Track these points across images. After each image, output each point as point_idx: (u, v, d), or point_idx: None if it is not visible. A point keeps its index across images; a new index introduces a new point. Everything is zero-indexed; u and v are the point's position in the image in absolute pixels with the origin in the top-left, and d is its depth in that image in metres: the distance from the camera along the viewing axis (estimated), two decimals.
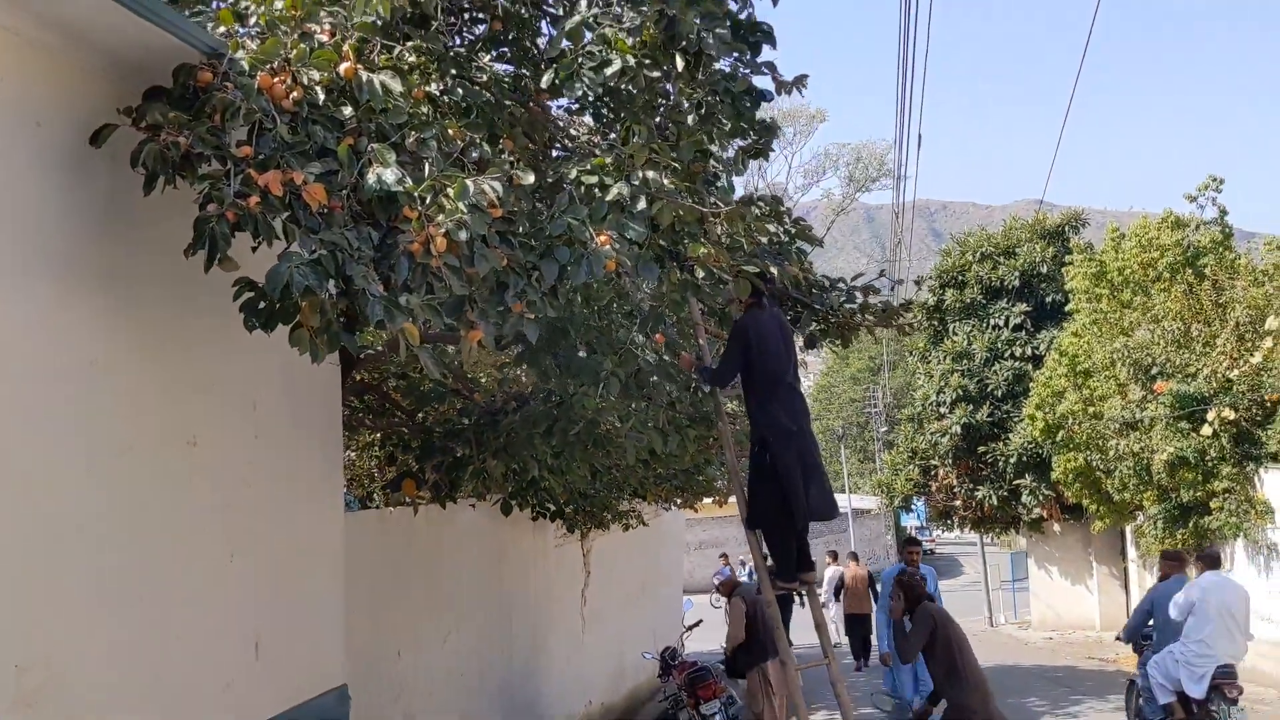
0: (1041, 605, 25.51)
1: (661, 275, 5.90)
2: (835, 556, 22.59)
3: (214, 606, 4.85)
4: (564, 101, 6.46)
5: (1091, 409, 17.49)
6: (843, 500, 51.12)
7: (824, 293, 7.20)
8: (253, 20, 4.47)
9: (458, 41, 5.80)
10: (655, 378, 6.80)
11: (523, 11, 6.31)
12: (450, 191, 4.19)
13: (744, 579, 31.02)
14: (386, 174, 4.18)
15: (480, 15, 6.05)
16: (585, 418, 6.20)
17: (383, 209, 4.27)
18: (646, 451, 7.10)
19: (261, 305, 3.95)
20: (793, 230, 7.05)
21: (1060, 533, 24.30)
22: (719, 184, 6.15)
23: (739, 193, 7.48)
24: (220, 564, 4.91)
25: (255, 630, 5.11)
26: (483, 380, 8.51)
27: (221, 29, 4.44)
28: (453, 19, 5.50)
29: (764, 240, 7.22)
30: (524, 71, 5.88)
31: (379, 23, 4.80)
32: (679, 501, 11.98)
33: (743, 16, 5.80)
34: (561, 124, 6.22)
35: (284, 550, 5.39)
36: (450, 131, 4.72)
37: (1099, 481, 18.19)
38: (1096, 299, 17.45)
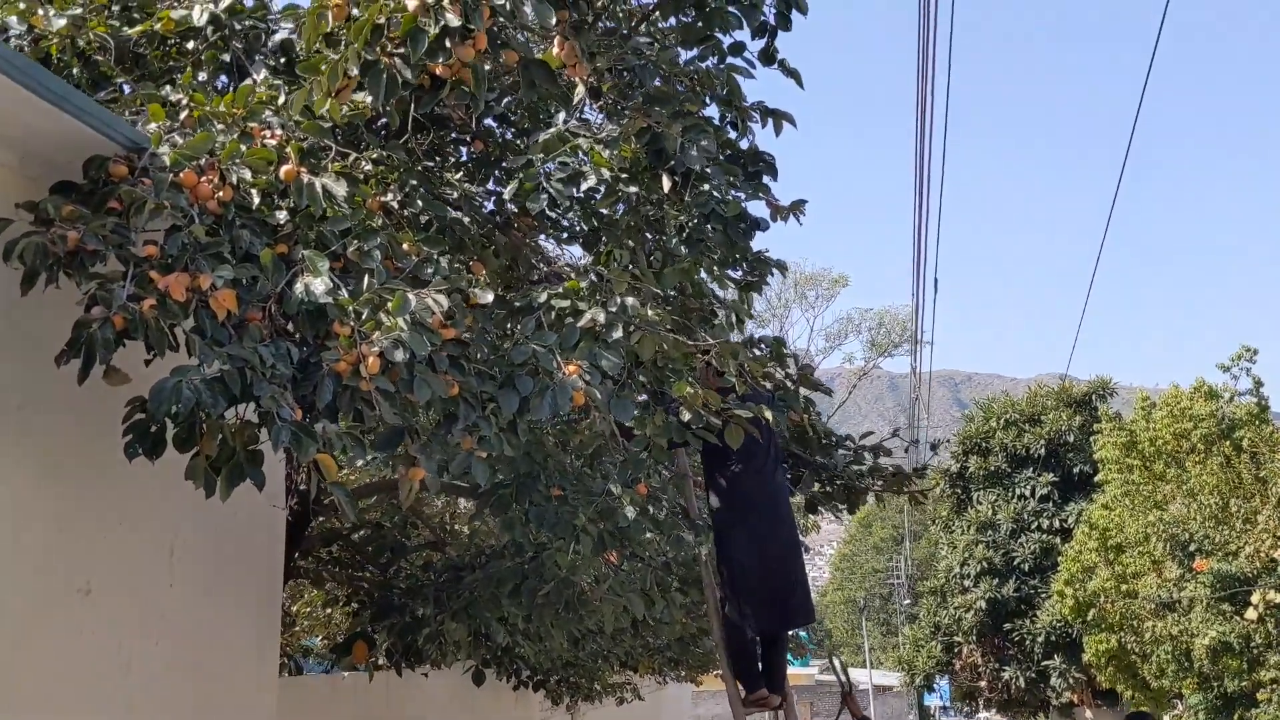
0: None
1: (645, 418, 5.31)
2: None
3: None
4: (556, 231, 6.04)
5: (1125, 586, 16.52)
6: (863, 676, 49.17)
7: (829, 451, 6.57)
8: (184, 115, 4.02)
9: (435, 159, 5.36)
10: (644, 533, 6.14)
11: (508, 134, 5.92)
12: (389, 306, 3.65)
13: None
14: (316, 284, 3.65)
15: (461, 135, 5.63)
16: (557, 577, 5.51)
17: (310, 324, 3.73)
18: (629, 618, 6.38)
19: (152, 429, 3.36)
20: (796, 376, 6.46)
21: (1092, 719, 22.87)
22: (716, 322, 5.62)
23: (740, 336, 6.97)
24: None
25: None
26: (464, 531, 7.85)
27: (152, 125, 3.99)
28: (426, 132, 5.07)
29: (767, 385, 6.65)
30: (501, 191, 5.43)
31: (334, 128, 4.37)
32: (677, 674, 11.09)
33: (744, 146, 5.38)
34: (549, 253, 5.73)
35: (194, 713, 4.67)
36: (405, 246, 4.21)
37: (1134, 666, 17.05)
38: (1127, 470, 16.68)
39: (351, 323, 3.65)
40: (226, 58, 4.87)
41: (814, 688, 48.66)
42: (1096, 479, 19.08)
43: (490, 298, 4.16)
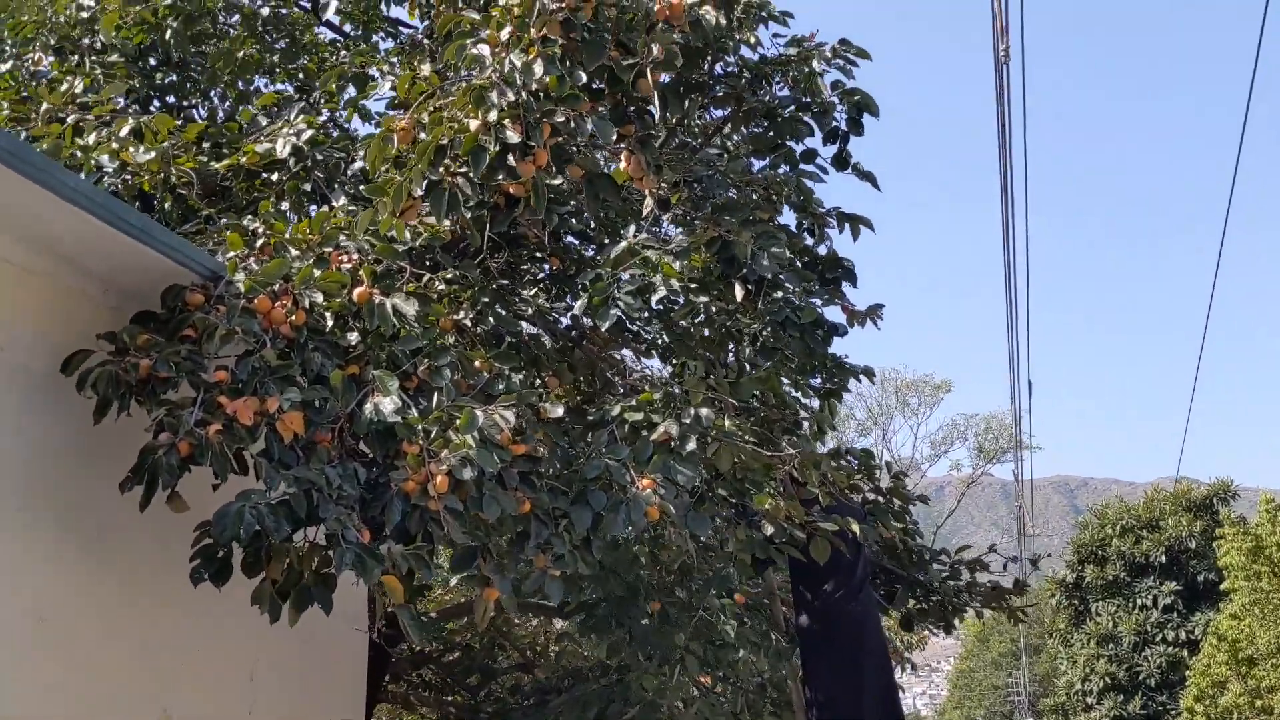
0: None
1: (728, 534, 5.18)
2: None
3: None
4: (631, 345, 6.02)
5: (1260, 702, 15.49)
6: None
7: (925, 566, 6.31)
8: (260, 243, 4.12)
9: (511, 277, 5.41)
10: (739, 650, 5.95)
11: (586, 250, 5.96)
12: (457, 423, 3.63)
13: None
14: (385, 403, 3.65)
15: (538, 253, 5.68)
16: (644, 700, 5.34)
17: (380, 444, 3.73)
18: None
19: (219, 554, 3.36)
20: (886, 489, 6.26)
21: None
22: (800, 432, 5.49)
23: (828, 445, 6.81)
24: None
25: None
26: (554, 652, 7.69)
27: (231, 253, 4.09)
28: (502, 251, 5.12)
29: (856, 498, 6.46)
30: (572, 305, 5.43)
31: (410, 250, 4.44)
32: None
33: (821, 251, 5.32)
34: (627, 367, 5.70)
35: None
36: (477, 363, 4.22)
37: None
38: (1255, 577, 15.79)
39: (420, 441, 3.64)
40: (308, 187, 5.02)
41: None
42: (1222, 587, 18.12)
43: (560, 411, 4.11)
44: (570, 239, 6.15)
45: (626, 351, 5.77)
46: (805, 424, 5.59)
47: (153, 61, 6.73)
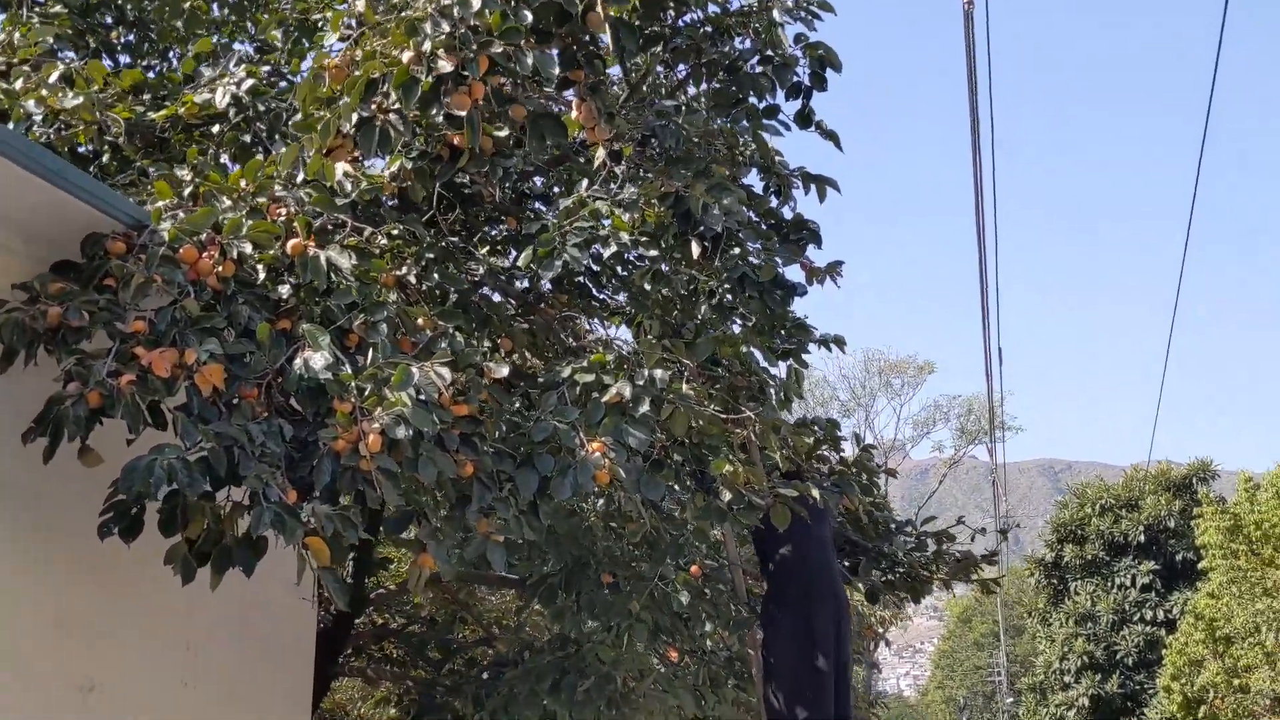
0: None
1: (687, 500, 5.02)
2: None
3: None
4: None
5: (1237, 681, 15.47)
6: None
7: (889, 537, 6.16)
8: (189, 191, 3.93)
9: (464, 236, 5.22)
10: (702, 621, 5.79)
11: (547, 214, 5.79)
12: (392, 380, 3.45)
13: None
14: (315, 359, 3.47)
15: (496, 215, 5.49)
16: (600, 672, 5.19)
17: (311, 402, 3.55)
18: (679, 715, 5.99)
19: (133, 510, 3.19)
20: (852, 460, 6.10)
21: None
22: (765, 399, 5.33)
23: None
24: None
25: None
26: (512, 625, 7.54)
27: (161, 202, 3.90)
28: (453, 208, 4.94)
29: (822, 469, 6.31)
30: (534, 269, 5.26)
31: (353, 204, 4.25)
32: None
33: (786, 215, 5.16)
34: (581, 329, 5.52)
35: None
36: (420, 321, 4.03)
37: None
38: (1233, 556, 15.75)
39: (352, 399, 3.46)
40: (249, 139, 4.82)
41: None
42: (1200, 566, 18.10)
43: (505, 371, 3.94)
44: (537, 206, 5.98)
45: (583, 317, 5.59)
46: (771, 391, 5.44)
47: (108, 20, 6.52)
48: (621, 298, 5.65)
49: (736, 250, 4.46)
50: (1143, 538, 21.75)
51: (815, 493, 4.78)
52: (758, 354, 5.37)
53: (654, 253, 4.28)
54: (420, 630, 7.24)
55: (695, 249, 4.34)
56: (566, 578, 5.34)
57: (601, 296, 5.73)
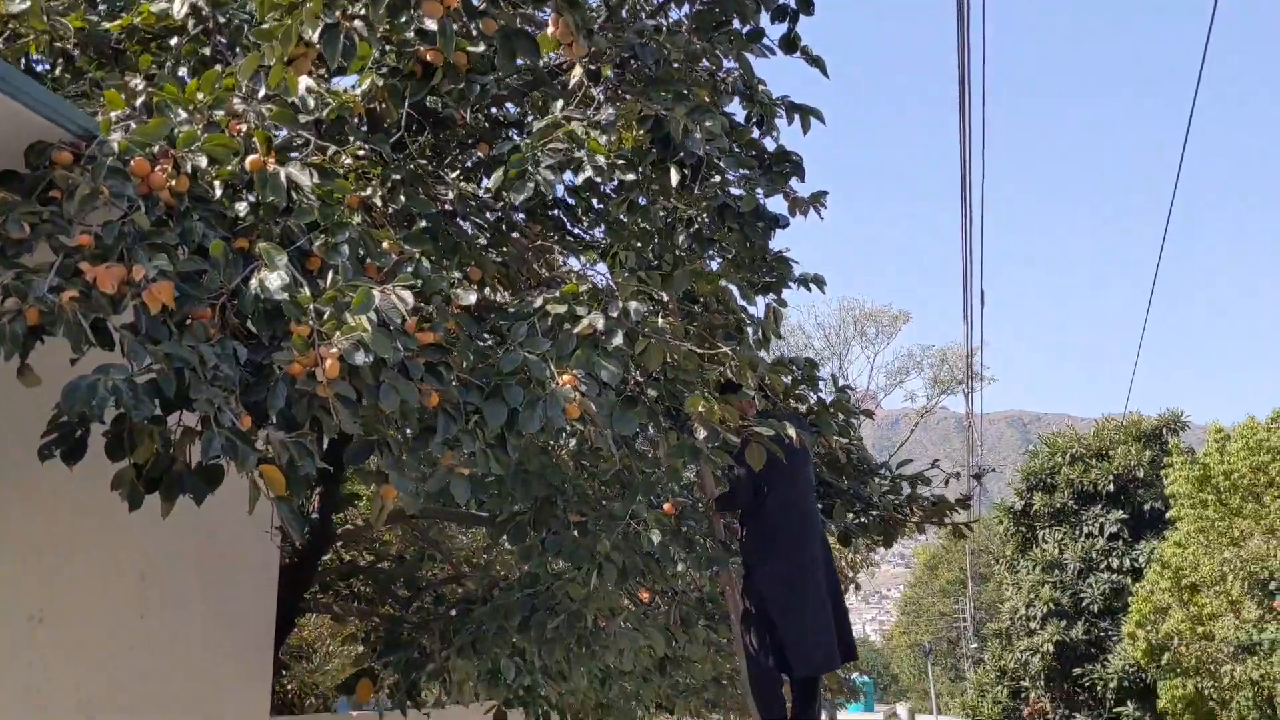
0: None
1: (660, 438, 4.90)
2: None
3: None
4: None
5: (1201, 629, 15.65)
6: None
7: (865, 480, 6.07)
8: (141, 102, 3.72)
9: (434, 160, 5.02)
10: (675, 562, 5.69)
11: (522, 138, 5.59)
12: (351, 303, 3.29)
13: None
14: (271, 279, 3.29)
15: (469, 139, 5.29)
16: (569, 610, 5.09)
17: (267, 325, 3.38)
18: (650, 655, 5.92)
19: (78, 432, 3.03)
20: (830, 401, 6.00)
21: None
22: (743, 337, 5.20)
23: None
24: None
25: None
26: (482, 563, 7.45)
27: (112, 113, 3.69)
28: (423, 130, 4.74)
29: (799, 407, 6.20)
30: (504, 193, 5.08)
31: (317, 122, 4.06)
32: (719, 718, 10.52)
33: (769, 146, 4.99)
34: (555, 260, 5.36)
35: None
36: (385, 244, 3.85)
37: (1213, 713, 16.12)
38: (1201, 505, 15.85)
39: (310, 322, 3.30)
40: (208, 51, 4.60)
41: None
42: (1168, 515, 18.24)
43: (473, 299, 3.78)
44: (511, 133, 5.78)
45: (557, 247, 5.42)
46: (750, 330, 5.31)
47: None
48: (598, 233, 5.49)
49: (717, 179, 4.30)
50: (1112, 487, 21.89)
51: (792, 431, 4.67)
52: (735, 291, 5.25)
53: (630, 176, 4.10)
54: (389, 567, 7.12)
55: (674, 176, 4.18)
56: (535, 516, 5.22)
57: (576, 231, 5.56)
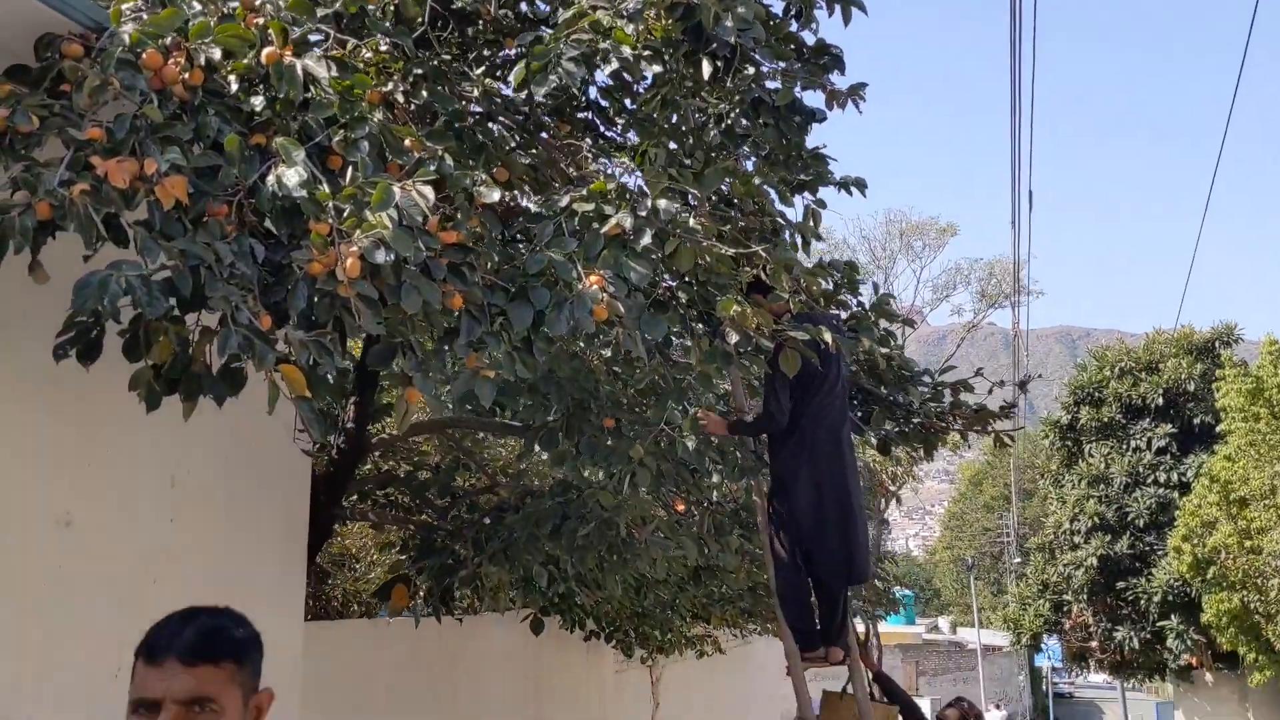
0: None
1: (694, 344, 4.79)
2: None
3: None
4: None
5: (1249, 543, 15.46)
6: (970, 635, 48.04)
7: (905, 387, 5.93)
8: None
9: (459, 57, 4.88)
10: (709, 471, 5.62)
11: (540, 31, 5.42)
12: (371, 200, 3.19)
13: None
14: (289, 175, 3.20)
15: (494, 36, 5.13)
16: (600, 518, 5.06)
17: (286, 223, 3.30)
18: (685, 563, 5.91)
19: (94, 333, 2.98)
20: (868, 305, 5.84)
21: (1212, 684, 21.72)
22: (779, 241, 5.05)
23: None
24: (104, 681, 3.88)
25: None
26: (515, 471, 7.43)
27: (125, 5, 3.58)
28: (448, 26, 4.59)
29: (838, 313, 6.06)
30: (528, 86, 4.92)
31: (336, 15, 3.93)
32: (756, 627, 10.56)
33: (809, 41, 4.79)
34: (584, 159, 5.21)
35: None
36: (407, 142, 3.74)
37: (1257, 627, 16.02)
38: (1253, 419, 15.55)
39: (330, 220, 3.21)
40: None
41: (920, 646, 47.80)
42: (1219, 429, 17.94)
43: (496, 196, 3.68)
44: (540, 30, 5.60)
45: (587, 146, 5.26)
46: (786, 235, 5.16)
47: None
48: (631, 136, 5.34)
49: (751, 71, 4.13)
50: (1161, 401, 21.55)
51: (828, 336, 4.54)
52: (772, 193, 5.09)
53: (658, 68, 3.93)
54: (423, 476, 7.13)
55: (706, 68, 4.02)
56: (567, 422, 5.17)
57: (610, 135, 5.42)
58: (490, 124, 4.78)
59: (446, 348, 3.53)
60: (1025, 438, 49.09)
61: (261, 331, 2.91)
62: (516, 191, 4.92)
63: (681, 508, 6.20)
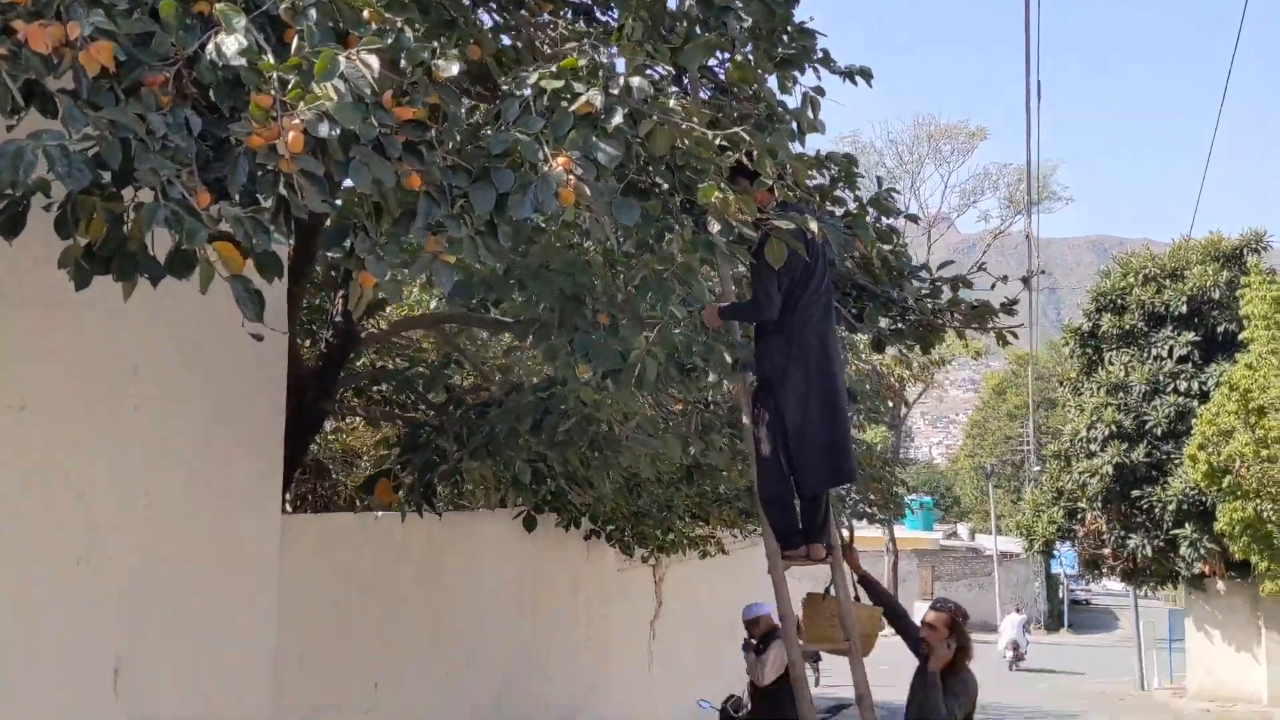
0: (1200, 671, 22.84)
1: (676, 233, 4.62)
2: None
3: (55, 622, 3.78)
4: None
5: (1265, 451, 15.28)
6: (988, 542, 48.35)
7: (902, 282, 5.74)
8: None
9: None
10: (705, 369, 5.48)
11: None
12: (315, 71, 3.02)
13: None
14: (228, 43, 3.02)
15: None
16: (580, 413, 4.94)
17: (229, 94, 3.13)
18: (676, 463, 5.82)
19: (22, 208, 2.84)
20: (865, 199, 5.63)
21: (1225, 592, 21.71)
22: (773, 127, 4.83)
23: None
24: (66, 568, 3.84)
25: (114, 654, 4.01)
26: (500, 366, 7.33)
27: None
28: None
29: (835, 211, 5.86)
30: None
31: None
32: (755, 529, 10.54)
33: None
34: (560, 35, 4.98)
35: (171, 556, 4.28)
36: (365, 13, 3.54)
37: (1271, 535, 15.92)
38: (1276, 327, 15.23)
39: (273, 92, 3.05)
40: None
41: (937, 552, 48.19)
42: (1241, 337, 17.64)
43: (455, 70, 3.48)
44: None
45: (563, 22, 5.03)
46: (787, 122, 4.95)
47: None
48: (613, 15, 5.10)
49: None
50: (1184, 309, 21.16)
51: (814, 226, 4.36)
52: (772, 83, 4.87)
53: None
54: (410, 371, 7.04)
55: None
56: (561, 317, 5.04)
57: (599, 17, 5.19)
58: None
59: (402, 230, 3.39)
60: (1050, 346, 48.79)
61: (192, 207, 2.77)
62: (493, 72, 4.72)
63: (680, 408, 6.10)
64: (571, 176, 3.53)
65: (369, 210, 3.44)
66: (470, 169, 3.50)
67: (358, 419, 8.52)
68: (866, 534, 35.75)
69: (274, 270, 3.19)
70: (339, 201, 3.51)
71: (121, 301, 3.49)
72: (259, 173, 3.00)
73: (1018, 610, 32.72)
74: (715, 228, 4.30)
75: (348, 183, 3.21)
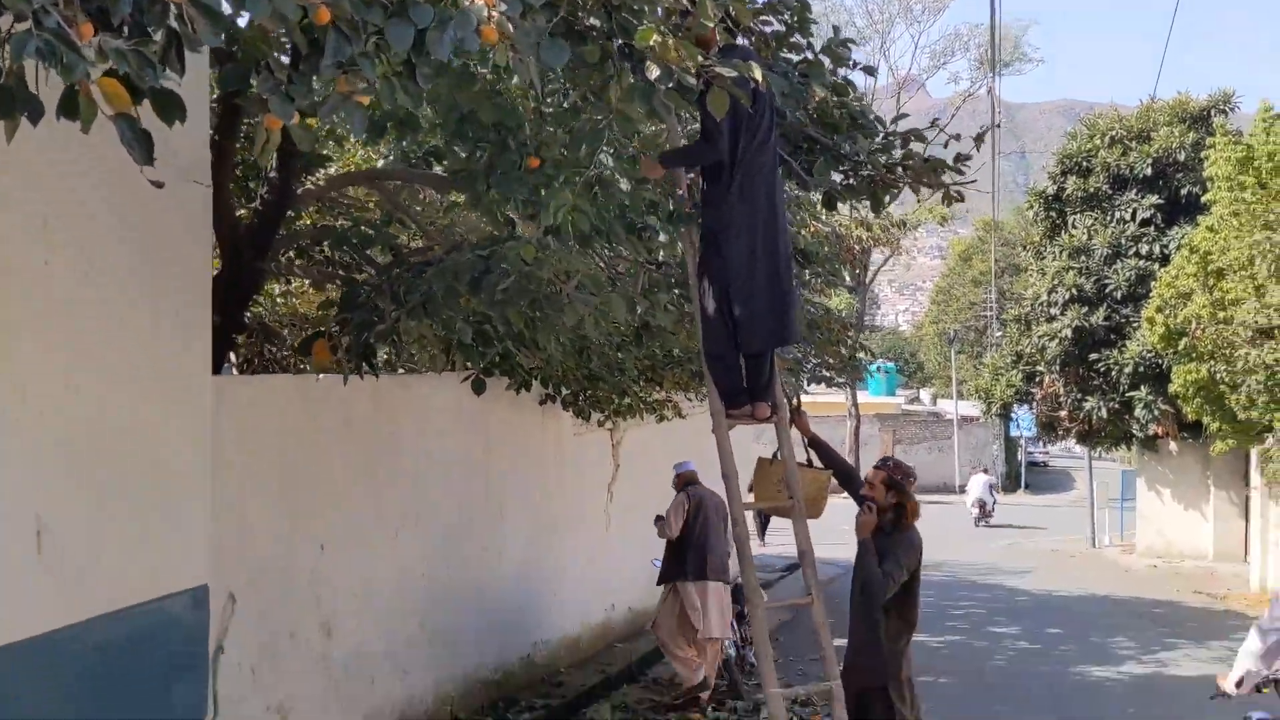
0: (1150, 530, 23.48)
1: (616, 80, 4.39)
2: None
3: None
4: None
5: (1222, 314, 15.33)
6: (950, 407, 49.02)
7: (854, 136, 5.55)
8: None
9: None
10: (645, 220, 5.30)
11: None
12: None
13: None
14: None
15: None
16: (520, 270, 4.79)
17: None
18: (620, 322, 5.69)
19: None
20: (820, 48, 5.40)
21: (1176, 453, 22.16)
22: None
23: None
24: None
25: (36, 516, 3.89)
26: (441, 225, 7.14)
27: None
28: None
29: (791, 59, 5.62)
30: None
31: None
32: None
33: None
34: None
35: (93, 416, 4.14)
36: None
37: (1223, 397, 16.11)
38: (1239, 188, 15.10)
39: None
40: None
41: (898, 416, 48.89)
42: (1204, 199, 17.56)
43: None
44: None
45: None
46: None
47: None
48: None
49: None
50: (1149, 171, 21.02)
51: (758, 73, 4.15)
52: None
53: None
54: (359, 231, 6.83)
55: None
56: (489, 164, 4.84)
57: None
58: None
59: (311, 68, 3.17)
60: (1017, 212, 48.65)
61: (68, 38, 2.54)
62: None
63: (626, 267, 5.95)
64: (495, 13, 3.32)
65: (271, 46, 3.22)
66: (386, 3, 3.28)
67: (307, 282, 8.32)
68: (828, 398, 36.15)
69: (173, 112, 2.99)
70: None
71: (30, 153, 3.27)
72: (147, 2, 2.77)
73: (985, 471, 33.39)
74: (654, 73, 4.09)
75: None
